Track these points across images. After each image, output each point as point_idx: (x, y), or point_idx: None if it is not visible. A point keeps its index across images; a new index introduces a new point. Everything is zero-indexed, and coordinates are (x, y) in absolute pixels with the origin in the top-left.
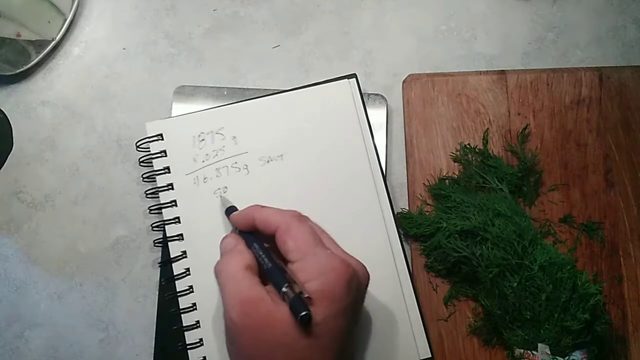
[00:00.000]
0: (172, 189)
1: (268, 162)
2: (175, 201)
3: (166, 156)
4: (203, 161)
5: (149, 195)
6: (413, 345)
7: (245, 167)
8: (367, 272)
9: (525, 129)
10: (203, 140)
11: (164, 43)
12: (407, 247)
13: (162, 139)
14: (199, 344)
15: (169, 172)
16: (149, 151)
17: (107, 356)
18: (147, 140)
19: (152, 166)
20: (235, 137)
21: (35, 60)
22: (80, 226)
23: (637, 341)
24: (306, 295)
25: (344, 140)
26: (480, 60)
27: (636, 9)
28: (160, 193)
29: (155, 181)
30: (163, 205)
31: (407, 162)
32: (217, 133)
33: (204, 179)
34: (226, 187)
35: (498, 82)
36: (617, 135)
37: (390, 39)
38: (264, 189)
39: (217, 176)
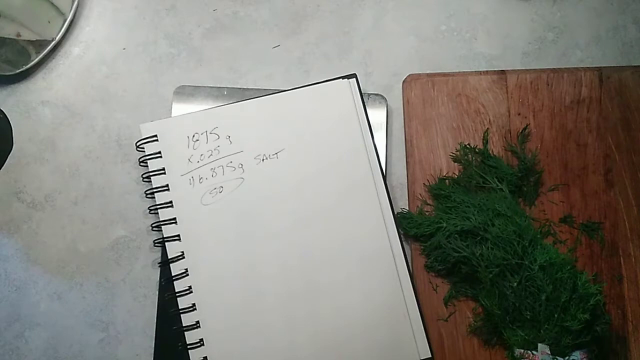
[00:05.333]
0: (168, 189)
1: (263, 160)
2: (171, 202)
3: (161, 157)
4: (198, 161)
5: (148, 195)
6: (413, 345)
7: (240, 166)
8: None
9: (525, 129)
10: (197, 140)
11: (164, 43)
12: (407, 247)
13: (157, 140)
14: (199, 344)
15: (165, 173)
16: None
17: (107, 356)
18: (143, 141)
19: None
20: (229, 136)
21: (35, 60)
22: (80, 226)
23: (637, 341)
24: None
25: (344, 140)
26: (480, 60)
27: (636, 9)
28: (156, 194)
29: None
30: (159, 206)
31: (407, 162)
32: (211, 133)
33: (200, 179)
34: (222, 187)
35: (498, 82)
36: (617, 135)
37: (390, 39)
38: (260, 187)
39: (212, 176)
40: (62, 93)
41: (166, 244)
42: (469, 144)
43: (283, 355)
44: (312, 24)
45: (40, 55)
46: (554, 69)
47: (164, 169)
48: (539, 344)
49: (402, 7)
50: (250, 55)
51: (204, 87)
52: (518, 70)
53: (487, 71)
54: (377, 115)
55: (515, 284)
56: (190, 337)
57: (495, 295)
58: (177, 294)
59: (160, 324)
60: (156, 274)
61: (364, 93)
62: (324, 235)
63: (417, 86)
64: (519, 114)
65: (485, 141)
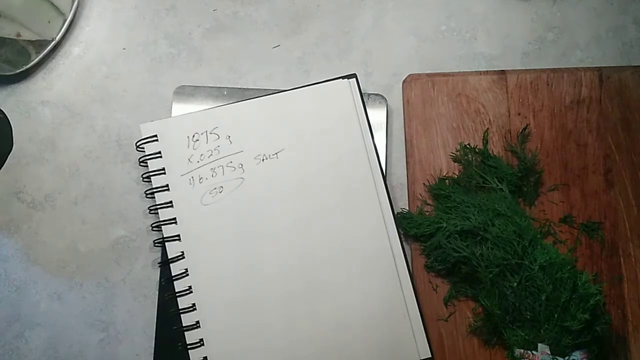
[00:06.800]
0: (168, 189)
1: (263, 160)
2: (171, 202)
3: (161, 157)
4: (198, 161)
5: (148, 195)
6: (413, 345)
7: (240, 166)
8: None
9: (525, 129)
10: (197, 140)
11: (164, 43)
12: (407, 247)
13: (157, 140)
14: (199, 344)
15: (165, 173)
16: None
17: (107, 356)
18: (143, 141)
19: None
20: (229, 136)
21: (35, 60)
22: (80, 226)
23: (637, 341)
24: None
25: (344, 140)
26: (480, 60)
27: (636, 9)
28: (156, 194)
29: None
30: (159, 206)
31: (407, 162)
32: (211, 133)
33: (200, 179)
34: (222, 187)
35: (498, 82)
36: (617, 135)
37: (390, 39)
38: (260, 187)
39: (212, 176)
40: (62, 93)
41: (166, 244)
42: (469, 144)
43: (283, 355)
44: (312, 24)
45: (40, 55)
46: (554, 69)
47: (164, 169)
48: (539, 344)
49: (402, 7)
50: (250, 55)
51: (204, 87)
52: (518, 70)
53: (487, 71)
54: (377, 115)
55: (515, 284)
56: (190, 337)
57: (495, 295)
58: (177, 294)
59: (160, 324)
60: (156, 274)
61: (364, 93)
62: (324, 235)
63: (417, 86)
64: (519, 114)
65: (485, 141)
